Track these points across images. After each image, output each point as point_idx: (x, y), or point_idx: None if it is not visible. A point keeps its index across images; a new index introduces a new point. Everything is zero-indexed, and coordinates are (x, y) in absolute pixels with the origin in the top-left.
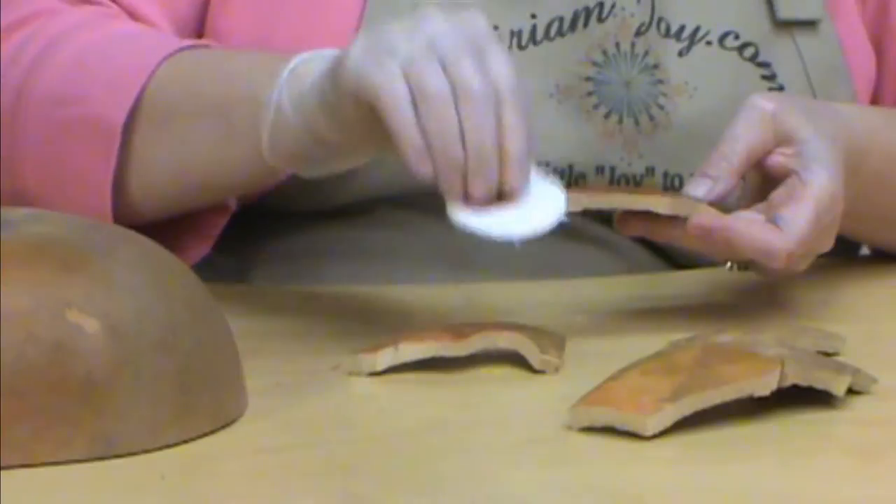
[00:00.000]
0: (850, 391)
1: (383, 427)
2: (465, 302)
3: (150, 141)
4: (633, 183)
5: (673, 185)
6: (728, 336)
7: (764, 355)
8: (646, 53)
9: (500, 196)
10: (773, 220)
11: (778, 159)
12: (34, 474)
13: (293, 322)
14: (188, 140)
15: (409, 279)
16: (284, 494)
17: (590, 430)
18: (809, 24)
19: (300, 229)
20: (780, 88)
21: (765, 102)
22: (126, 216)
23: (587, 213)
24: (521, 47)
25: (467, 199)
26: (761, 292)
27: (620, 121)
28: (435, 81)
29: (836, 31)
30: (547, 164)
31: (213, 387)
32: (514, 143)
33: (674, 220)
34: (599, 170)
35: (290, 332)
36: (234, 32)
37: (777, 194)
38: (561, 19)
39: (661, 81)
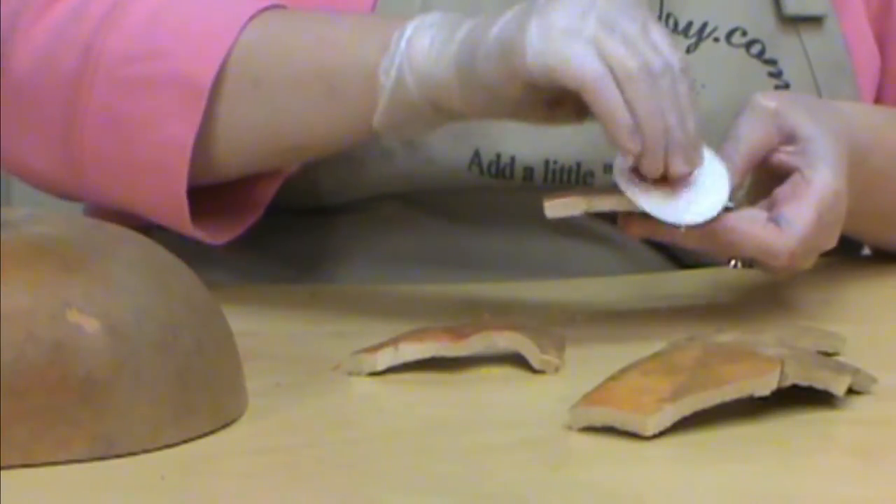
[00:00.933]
0: (850, 391)
1: (383, 427)
2: (465, 302)
3: (240, 101)
4: None
5: None
6: (728, 336)
7: (764, 355)
8: None
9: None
10: (775, 219)
11: (781, 157)
12: (34, 474)
13: (293, 322)
14: (283, 103)
15: (413, 278)
16: (284, 494)
17: (590, 430)
18: (815, 21)
19: (304, 228)
20: (786, 86)
21: (767, 101)
22: (201, 175)
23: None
24: None
25: (644, 178)
26: (761, 292)
27: None
28: (634, 61)
29: (842, 28)
30: (555, 162)
31: (213, 387)
32: (692, 121)
33: None
34: (608, 167)
35: (290, 332)
36: None
37: (780, 191)
38: None
39: None
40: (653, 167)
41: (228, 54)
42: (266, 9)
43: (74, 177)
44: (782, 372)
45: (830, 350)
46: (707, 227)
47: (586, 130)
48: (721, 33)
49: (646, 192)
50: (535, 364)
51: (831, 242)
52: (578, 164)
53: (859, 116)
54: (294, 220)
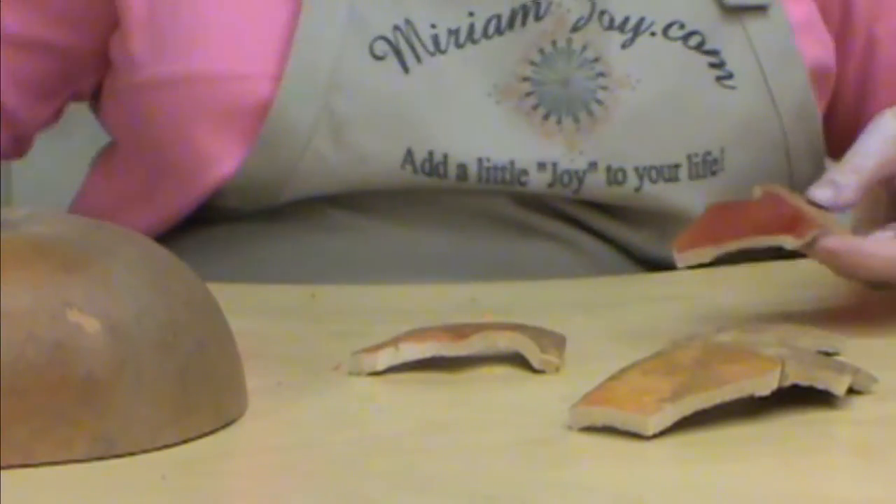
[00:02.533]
0: (850, 391)
1: (383, 427)
2: (465, 302)
3: None
4: (576, 181)
5: (617, 180)
6: (728, 336)
7: (764, 355)
8: (584, 48)
9: None
10: None
11: None
12: (34, 474)
13: (293, 322)
14: None
15: (351, 280)
16: (284, 494)
17: (590, 429)
18: (759, 9)
19: (247, 234)
20: (729, 76)
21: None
22: None
23: (546, 209)
24: (459, 46)
25: None
26: (761, 292)
27: (559, 121)
28: None
29: (786, 14)
30: (488, 160)
31: (213, 387)
32: None
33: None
34: (541, 166)
35: (291, 332)
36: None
37: None
38: (499, 17)
39: (601, 75)
40: None
41: None
42: None
43: None
44: (782, 372)
45: (830, 350)
46: (834, 252)
47: (519, 127)
48: (658, 27)
49: None
50: (536, 364)
51: None
52: (512, 163)
53: None
54: (239, 225)
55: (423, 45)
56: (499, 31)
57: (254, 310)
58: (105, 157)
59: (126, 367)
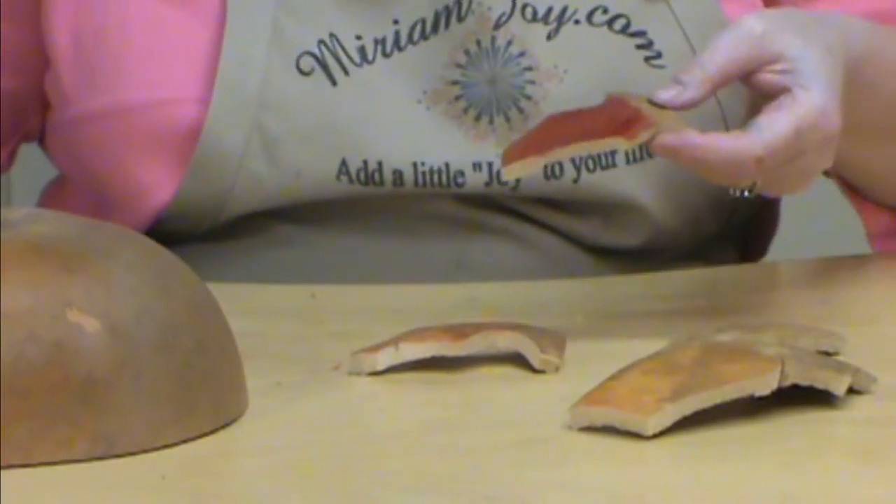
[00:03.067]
0: (850, 391)
1: (383, 427)
2: (465, 302)
3: None
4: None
5: (554, 174)
6: (728, 336)
7: (764, 355)
8: (509, 44)
9: None
10: (745, 128)
11: (768, 77)
12: (34, 474)
13: (293, 322)
14: None
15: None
16: (284, 494)
17: (590, 429)
18: None
19: (192, 252)
20: (658, 56)
21: (754, 22)
22: None
23: (491, 206)
24: (385, 55)
25: None
26: (761, 292)
27: (491, 121)
28: None
29: None
30: (423, 164)
31: (213, 387)
32: None
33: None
34: (476, 166)
35: (291, 332)
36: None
37: (764, 108)
38: (423, 21)
39: (529, 69)
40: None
41: None
42: None
43: None
44: (782, 371)
45: (830, 350)
46: (671, 148)
47: (452, 130)
48: (581, 15)
49: None
50: (536, 364)
51: (822, 163)
52: (447, 164)
53: (855, 31)
54: (187, 245)
55: (350, 57)
56: (423, 37)
57: (254, 310)
58: (53, 189)
59: (126, 367)
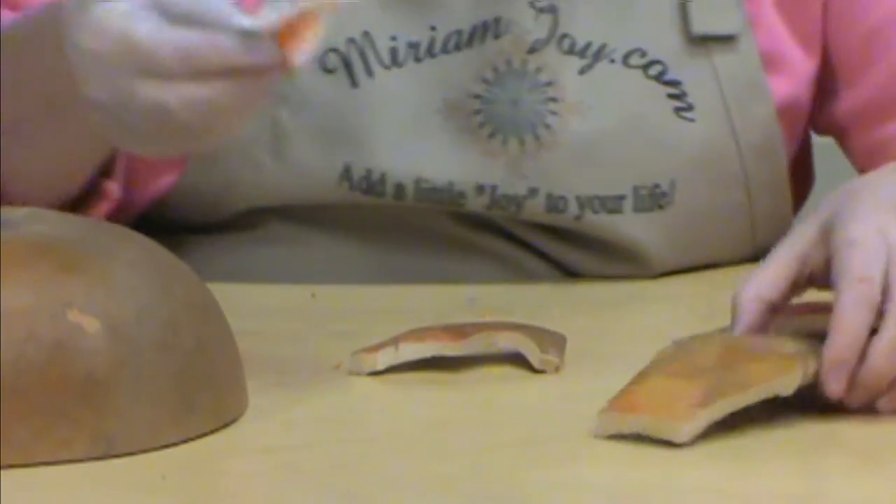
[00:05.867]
0: None
1: (383, 427)
2: (465, 302)
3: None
4: (514, 205)
5: (557, 207)
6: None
7: (784, 352)
8: (538, 70)
9: None
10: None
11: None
12: (34, 474)
13: (293, 322)
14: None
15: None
16: (284, 494)
17: (589, 429)
18: (728, 40)
19: (187, 244)
20: (689, 108)
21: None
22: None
23: (489, 227)
24: (417, 60)
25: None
26: None
27: (505, 141)
28: None
29: (757, 44)
30: (426, 181)
31: (213, 386)
32: None
33: None
34: (480, 189)
35: (291, 332)
36: None
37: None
38: (459, 33)
39: (553, 99)
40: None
41: None
42: None
43: None
44: (805, 369)
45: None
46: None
47: (463, 145)
48: (619, 55)
49: None
50: (536, 364)
51: None
52: (451, 184)
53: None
54: (183, 237)
55: (379, 58)
56: (458, 48)
57: (254, 310)
58: None
59: (126, 366)
